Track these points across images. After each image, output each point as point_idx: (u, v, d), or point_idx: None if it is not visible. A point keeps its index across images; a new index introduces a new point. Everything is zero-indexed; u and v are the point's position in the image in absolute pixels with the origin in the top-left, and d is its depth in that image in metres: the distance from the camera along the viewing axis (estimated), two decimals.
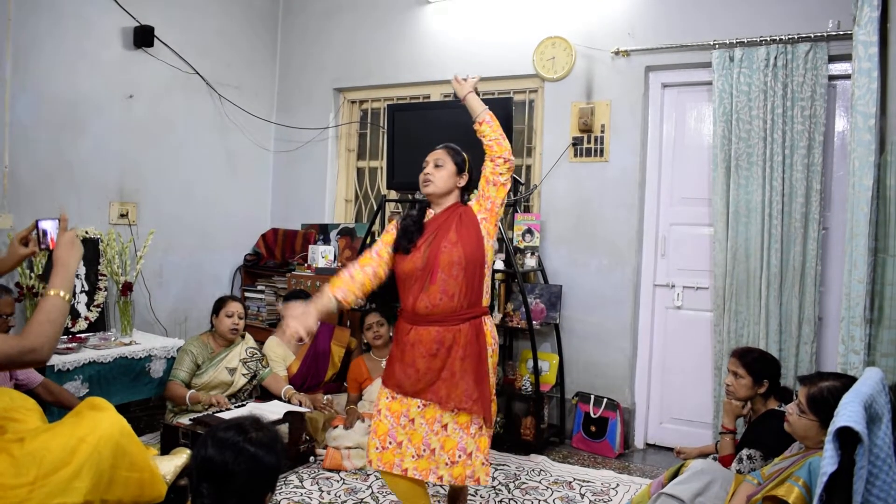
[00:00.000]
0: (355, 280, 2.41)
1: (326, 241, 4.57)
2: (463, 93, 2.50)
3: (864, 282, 2.58)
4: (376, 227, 4.19)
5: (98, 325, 3.70)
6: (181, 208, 4.33)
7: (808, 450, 2.13)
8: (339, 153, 4.86)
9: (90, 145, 3.78)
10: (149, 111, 4.09)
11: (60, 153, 3.64)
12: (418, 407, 2.39)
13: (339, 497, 2.99)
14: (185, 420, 3.20)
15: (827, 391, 2.07)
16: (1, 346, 1.68)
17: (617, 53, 3.85)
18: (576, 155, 3.99)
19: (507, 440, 3.74)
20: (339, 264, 4.27)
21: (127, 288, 3.72)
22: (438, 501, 2.89)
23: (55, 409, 2.96)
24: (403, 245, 2.42)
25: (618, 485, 3.25)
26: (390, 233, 2.49)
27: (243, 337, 3.74)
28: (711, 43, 3.57)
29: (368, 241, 4.23)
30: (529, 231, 3.92)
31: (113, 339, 3.55)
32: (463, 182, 2.49)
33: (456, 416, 2.36)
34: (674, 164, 3.88)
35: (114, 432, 2.24)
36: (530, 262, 3.90)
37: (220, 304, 3.65)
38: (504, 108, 3.47)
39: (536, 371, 3.68)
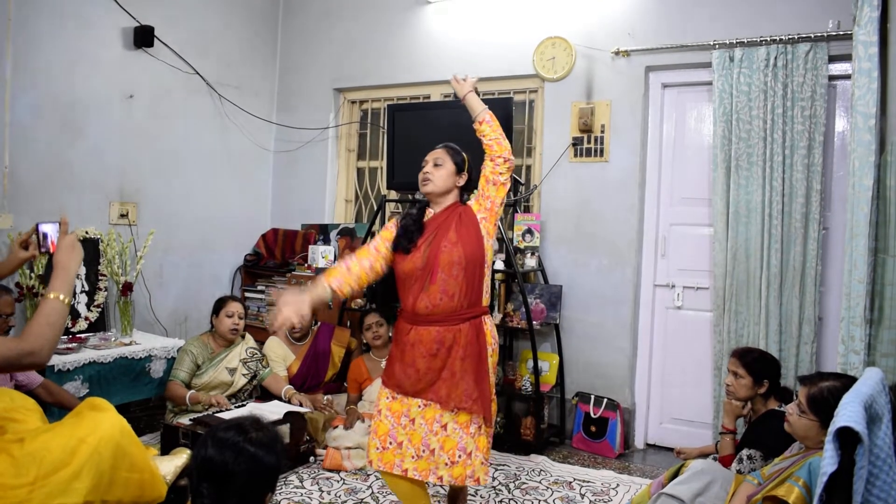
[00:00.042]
0: (352, 272, 2.40)
1: (326, 242, 4.57)
2: (463, 92, 2.50)
3: (864, 282, 2.58)
4: (376, 227, 4.18)
5: (98, 326, 3.70)
6: (181, 208, 4.33)
7: (809, 450, 2.13)
8: (339, 153, 4.86)
9: (90, 145, 3.78)
10: (149, 111, 4.09)
11: (60, 153, 3.64)
12: (419, 407, 2.39)
13: (340, 497, 2.99)
14: (185, 420, 3.20)
15: (827, 391, 2.07)
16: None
17: (617, 53, 3.85)
18: (576, 155, 3.99)
19: (507, 440, 3.74)
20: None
21: (127, 288, 3.72)
22: (438, 502, 2.89)
23: (55, 409, 2.96)
24: (404, 245, 2.41)
25: (618, 485, 3.25)
26: (390, 230, 2.49)
27: (243, 337, 3.74)
28: (711, 43, 3.57)
29: (368, 241, 4.22)
30: (529, 231, 3.92)
31: (113, 339, 3.55)
32: (462, 181, 2.49)
33: (456, 416, 2.36)
34: (674, 165, 3.88)
35: (114, 433, 2.24)
36: (530, 262, 3.90)
37: (220, 305, 3.65)
38: (504, 109, 3.47)
39: (536, 371, 3.68)
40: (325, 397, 3.69)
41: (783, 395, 2.73)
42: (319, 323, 4.01)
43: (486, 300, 2.45)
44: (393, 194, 4.19)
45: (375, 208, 4.47)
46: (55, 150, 3.62)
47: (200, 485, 1.60)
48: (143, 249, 3.85)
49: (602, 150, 3.93)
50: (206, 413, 3.33)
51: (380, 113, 4.71)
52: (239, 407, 3.44)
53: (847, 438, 1.61)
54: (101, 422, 2.25)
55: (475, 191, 2.50)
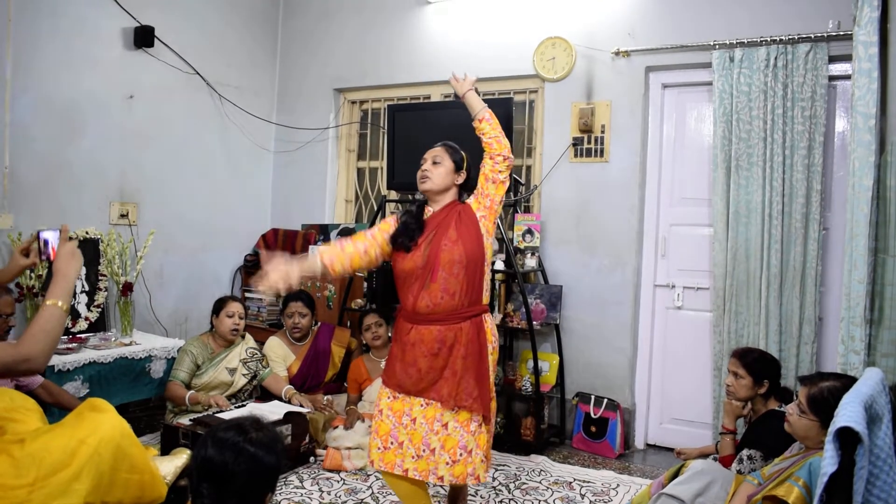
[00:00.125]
0: (345, 251, 2.41)
1: (327, 242, 4.57)
2: (462, 91, 2.51)
3: (864, 282, 2.58)
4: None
5: (98, 326, 3.70)
6: (181, 208, 4.33)
7: (809, 450, 2.13)
8: (340, 153, 4.86)
9: (90, 145, 3.78)
10: (149, 111, 4.09)
11: (60, 153, 3.64)
12: (421, 406, 2.39)
13: (340, 497, 2.99)
14: (185, 420, 3.20)
15: (827, 391, 2.07)
16: None
17: (617, 54, 3.85)
18: (576, 155, 3.99)
19: (507, 440, 3.74)
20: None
21: (127, 288, 3.72)
22: (438, 502, 2.89)
23: (55, 410, 2.96)
24: (404, 243, 2.41)
25: (618, 485, 3.25)
26: (388, 223, 2.50)
27: (243, 337, 3.74)
28: (711, 43, 3.57)
29: None
30: (530, 231, 3.92)
31: (113, 339, 3.55)
32: (461, 180, 2.49)
33: (456, 415, 2.36)
34: (674, 165, 3.88)
35: (114, 434, 2.24)
36: (530, 262, 3.90)
37: (220, 305, 3.65)
38: (504, 109, 3.47)
39: (537, 371, 3.68)
40: (326, 397, 3.69)
41: (783, 395, 2.73)
42: (319, 323, 4.01)
43: (485, 298, 2.45)
44: (393, 194, 4.19)
45: (375, 208, 4.47)
46: (55, 150, 3.61)
47: (200, 485, 1.60)
48: (143, 249, 3.85)
49: (602, 151, 3.93)
50: (206, 413, 3.33)
51: (380, 113, 4.71)
52: (239, 407, 3.44)
53: (847, 438, 1.61)
54: (102, 423, 2.25)
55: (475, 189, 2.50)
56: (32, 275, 3.36)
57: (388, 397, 2.44)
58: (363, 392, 3.71)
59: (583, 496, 3.10)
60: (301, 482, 3.12)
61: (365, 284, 4.16)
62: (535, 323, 3.74)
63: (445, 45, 4.36)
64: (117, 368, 3.38)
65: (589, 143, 3.95)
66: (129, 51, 3.94)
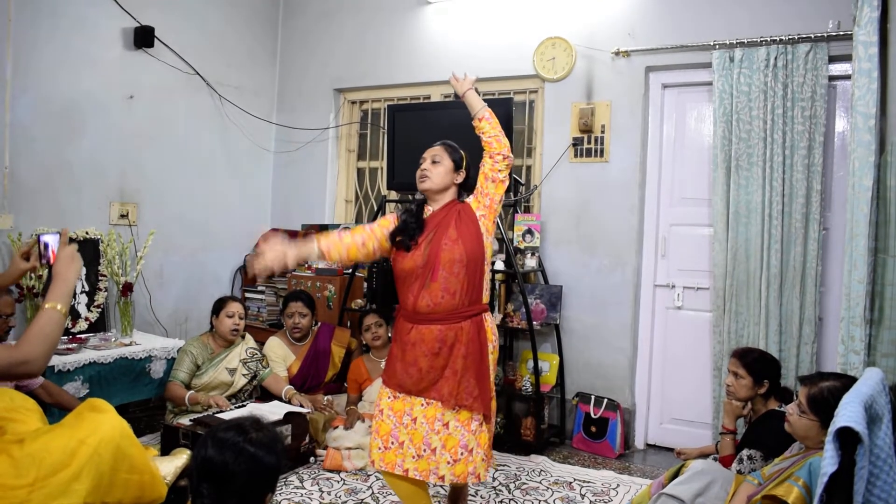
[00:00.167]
0: (343, 241, 2.43)
1: None
2: (462, 90, 2.51)
3: (864, 282, 2.58)
4: None
5: (98, 326, 3.70)
6: (181, 209, 4.33)
7: (809, 450, 2.13)
8: (340, 153, 4.86)
9: (90, 145, 3.78)
10: (149, 111, 4.09)
11: (60, 153, 3.64)
12: (421, 405, 2.39)
13: (340, 497, 2.99)
14: (185, 421, 3.20)
15: (827, 391, 2.07)
16: None
17: (617, 54, 3.85)
18: (576, 155, 3.99)
19: (507, 440, 3.74)
20: (340, 265, 4.26)
21: (127, 288, 3.72)
22: (439, 502, 2.89)
23: (55, 410, 2.96)
24: (405, 242, 2.42)
25: (618, 485, 3.25)
26: (388, 219, 2.51)
27: (243, 337, 3.74)
28: (711, 43, 3.57)
29: None
30: (530, 231, 3.92)
31: (113, 339, 3.55)
32: (460, 179, 2.49)
33: (457, 414, 2.36)
34: (674, 165, 3.88)
35: (114, 435, 2.24)
36: (530, 262, 3.90)
37: (220, 305, 3.64)
38: (504, 109, 3.47)
39: (537, 371, 3.68)
40: (326, 398, 3.69)
41: (783, 395, 2.73)
42: (319, 323, 4.01)
43: (485, 298, 2.46)
44: (393, 194, 4.19)
45: (375, 208, 4.47)
46: (55, 150, 3.61)
47: (200, 485, 1.60)
48: (143, 250, 3.85)
49: (602, 151, 3.93)
50: (206, 413, 3.33)
51: (380, 113, 4.71)
52: (239, 407, 3.44)
53: (847, 438, 1.61)
54: (101, 423, 2.25)
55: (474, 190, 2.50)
56: (33, 275, 3.36)
57: (389, 397, 2.44)
58: (363, 392, 3.71)
59: (583, 496, 3.10)
60: (301, 482, 3.12)
61: (365, 285, 4.15)
62: (535, 323, 3.74)
63: (445, 45, 4.36)
64: (117, 369, 3.38)
65: (589, 143, 3.95)
66: (128, 51, 3.94)
